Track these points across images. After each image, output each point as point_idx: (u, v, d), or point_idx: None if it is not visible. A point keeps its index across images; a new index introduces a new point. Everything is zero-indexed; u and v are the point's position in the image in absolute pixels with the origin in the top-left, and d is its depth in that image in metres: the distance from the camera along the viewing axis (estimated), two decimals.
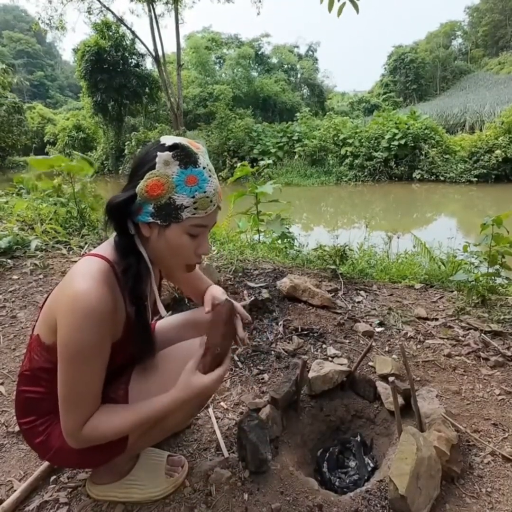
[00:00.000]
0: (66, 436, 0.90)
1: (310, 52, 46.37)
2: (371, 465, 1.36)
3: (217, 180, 0.93)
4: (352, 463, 1.38)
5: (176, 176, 0.85)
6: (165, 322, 1.26)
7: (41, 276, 2.47)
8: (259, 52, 39.43)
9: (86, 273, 0.85)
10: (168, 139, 0.88)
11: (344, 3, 2.52)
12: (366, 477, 1.30)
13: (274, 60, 41.69)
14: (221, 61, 38.05)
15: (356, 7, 2.51)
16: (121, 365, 1.01)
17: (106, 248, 0.93)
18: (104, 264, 0.88)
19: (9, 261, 2.61)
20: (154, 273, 0.97)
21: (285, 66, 41.19)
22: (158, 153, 0.85)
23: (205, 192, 0.87)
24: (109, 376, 0.96)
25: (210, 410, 1.46)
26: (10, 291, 2.30)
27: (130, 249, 0.91)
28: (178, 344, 1.10)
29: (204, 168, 0.88)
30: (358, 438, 1.46)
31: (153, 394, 0.98)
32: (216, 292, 1.17)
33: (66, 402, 0.87)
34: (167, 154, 0.85)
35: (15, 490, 1.13)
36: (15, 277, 2.46)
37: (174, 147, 0.86)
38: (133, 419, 0.91)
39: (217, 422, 1.41)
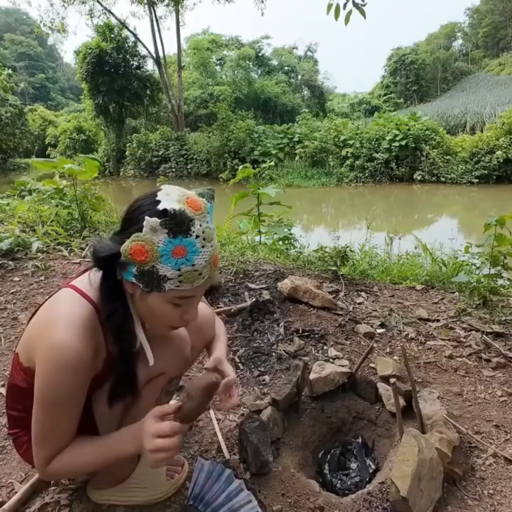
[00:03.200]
0: (36, 467, 0.91)
1: (309, 53, 46.56)
2: (373, 467, 1.35)
3: (214, 246, 0.84)
4: (354, 465, 1.37)
5: (162, 245, 0.78)
6: None
7: (42, 278, 2.48)
8: (260, 54, 39.57)
9: (68, 320, 0.82)
10: (164, 197, 0.80)
11: (350, 11, 2.52)
12: (367, 479, 1.30)
13: (274, 62, 41.83)
14: (222, 63, 38.17)
15: (363, 13, 2.51)
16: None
17: (90, 284, 0.89)
18: (87, 307, 0.85)
19: (10, 262, 2.62)
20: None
21: (286, 68, 41.30)
22: (146, 217, 0.77)
23: (193, 265, 0.80)
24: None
25: (211, 411, 1.46)
26: (11, 293, 2.30)
27: (115, 294, 0.87)
28: None
29: (197, 236, 0.79)
30: (360, 440, 1.45)
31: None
32: (222, 358, 1.14)
33: (37, 438, 0.87)
34: (155, 221, 0.77)
35: (16, 492, 1.13)
36: (16, 278, 2.46)
37: (164, 214, 0.77)
38: (99, 461, 0.90)
39: (218, 423, 1.40)
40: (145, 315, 0.90)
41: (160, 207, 0.78)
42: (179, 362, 1.07)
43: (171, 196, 0.81)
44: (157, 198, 0.80)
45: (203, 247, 0.81)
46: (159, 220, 0.77)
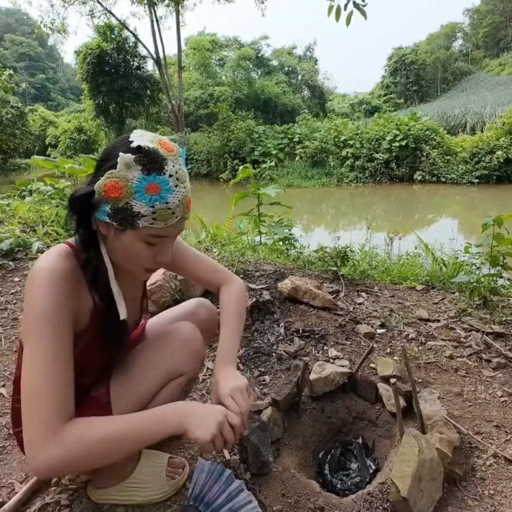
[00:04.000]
0: (33, 445, 0.77)
1: (308, 53, 46.62)
2: (373, 467, 1.35)
3: (187, 188, 0.86)
4: (354, 465, 1.37)
5: (136, 182, 0.79)
6: (161, 316, 1.27)
7: None
8: (259, 54, 39.63)
9: (45, 256, 0.84)
10: (137, 138, 0.83)
11: (351, 12, 2.52)
12: (367, 479, 1.29)
13: (274, 63, 41.87)
14: (222, 63, 38.23)
15: (363, 14, 2.51)
16: (100, 365, 1.01)
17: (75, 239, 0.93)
18: (66, 248, 0.87)
19: (10, 263, 2.62)
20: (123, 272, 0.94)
21: (286, 68, 41.33)
22: (121, 153, 0.79)
23: (166, 203, 0.81)
24: (91, 380, 0.98)
25: None
26: (12, 293, 2.31)
27: (91, 243, 0.88)
28: (155, 335, 1.12)
29: (171, 176, 0.81)
30: (360, 440, 1.45)
31: (133, 386, 0.99)
32: (232, 387, 0.98)
33: (31, 395, 0.77)
34: (129, 157, 0.79)
35: (16, 492, 1.13)
36: (16, 279, 2.46)
37: (138, 150, 0.79)
38: (129, 436, 0.82)
39: None
40: (120, 257, 0.90)
41: (134, 145, 0.80)
42: (198, 364, 1.10)
43: (144, 137, 0.83)
44: (130, 139, 0.83)
45: (176, 186, 0.82)
46: (133, 156, 0.79)
